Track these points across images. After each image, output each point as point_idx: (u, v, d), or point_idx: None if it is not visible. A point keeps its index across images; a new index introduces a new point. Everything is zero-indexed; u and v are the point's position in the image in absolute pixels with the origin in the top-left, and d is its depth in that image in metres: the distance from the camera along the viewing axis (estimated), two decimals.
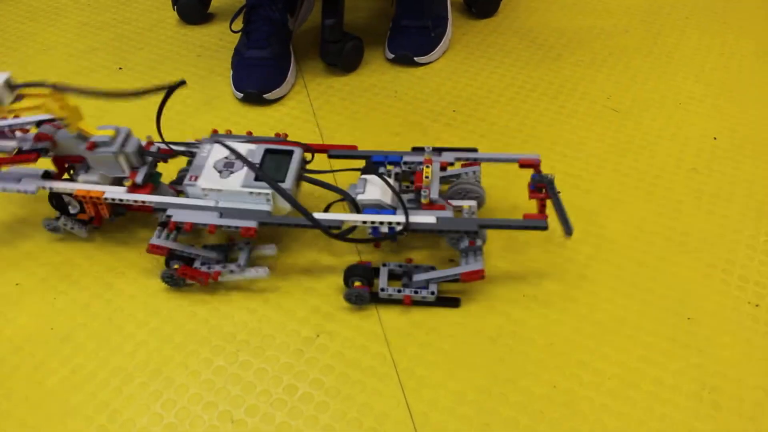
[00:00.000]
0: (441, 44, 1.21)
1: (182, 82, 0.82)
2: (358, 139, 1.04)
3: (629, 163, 1.00)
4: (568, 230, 0.84)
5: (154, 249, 0.82)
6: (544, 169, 0.98)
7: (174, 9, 1.35)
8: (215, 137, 0.89)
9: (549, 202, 0.83)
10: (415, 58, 1.19)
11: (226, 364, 0.77)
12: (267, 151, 0.84)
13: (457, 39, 1.27)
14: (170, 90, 0.81)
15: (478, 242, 0.80)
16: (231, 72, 1.17)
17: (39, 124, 0.89)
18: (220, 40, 1.30)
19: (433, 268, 0.83)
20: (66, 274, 0.88)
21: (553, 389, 0.74)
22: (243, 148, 0.85)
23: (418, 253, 0.88)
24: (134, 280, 0.87)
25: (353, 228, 0.82)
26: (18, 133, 0.91)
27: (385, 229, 0.80)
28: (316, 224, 0.79)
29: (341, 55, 1.16)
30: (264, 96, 1.11)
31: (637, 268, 0.85)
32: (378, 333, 0.79)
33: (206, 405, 0.73)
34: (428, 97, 1.13)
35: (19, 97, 0.79)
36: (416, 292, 0.80)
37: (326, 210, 0.87)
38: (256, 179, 0.81)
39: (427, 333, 0.79)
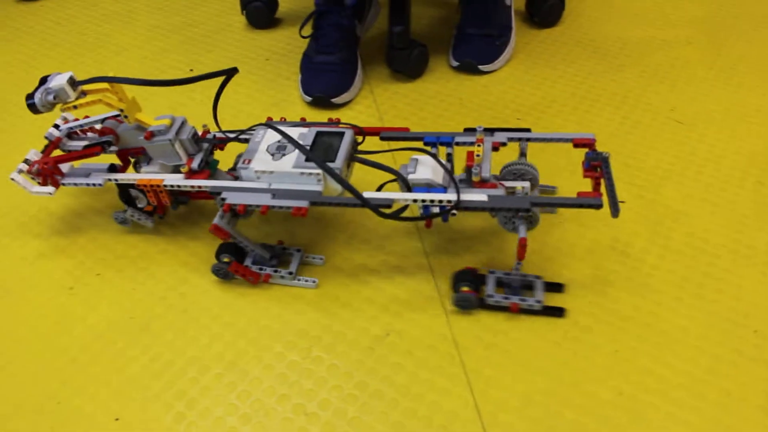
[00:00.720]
0: (505, 53, 1.23)
1: (234, 70, 0.84)
2: None
3: (693, 175, 1.01)
4: (615, 212, 0.81)
5: (216, 230, 0.83)
6: (617, 181, 0.99)
7: (242, 13, 1.39)
8: (268, 122, 0.92)
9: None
10: (480, 66, 1.21)
11: (299, 359, 0.80)
12: (318, 134, 0.86)
13: (520, 48, 1.28)
14: (226, 79, 0.83)
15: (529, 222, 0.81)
16: (299, 76, 1.20)
17: (104, 121, 0.93)
18: (287, 44, 1.34)
19: (538, 278, 0.84)
20: (143, 267, 0.92)
21: (618, 395, 0.75)
22: (295, 132, 0.87)
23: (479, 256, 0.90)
24: (207, 274, 0.90)
25: (405, 207, 0.83)
26: (89, 134, 0.96)
27: (436, 209, 0.82)
28: (365, 203, 0.80)
29: (408, 61, 1.19)
30: (332, 100, 1.14)
31: (703, 279, 0.86)
32: (446, 334, 0.81)
33: (280, 398, 0.76)
34: (493, 105, 1.15)
35: (82, 94, 0.84)
36: (523, 300, 0.81)
37: (378, 190, 0.87)
38: (307, 160, 0.83)
39: (494, 335, 0.81)
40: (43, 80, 0.84)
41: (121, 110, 0.85)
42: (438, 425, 0.73)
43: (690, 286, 0.86)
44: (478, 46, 1.21)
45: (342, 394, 0.76)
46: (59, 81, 0.82)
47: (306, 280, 0.88)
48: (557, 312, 0.83)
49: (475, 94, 1.18)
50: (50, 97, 0.82)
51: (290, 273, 0.87)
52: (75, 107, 0.84)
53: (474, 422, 0.73)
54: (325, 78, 1.16)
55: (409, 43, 1.18)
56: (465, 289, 0.82)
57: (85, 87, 0.83)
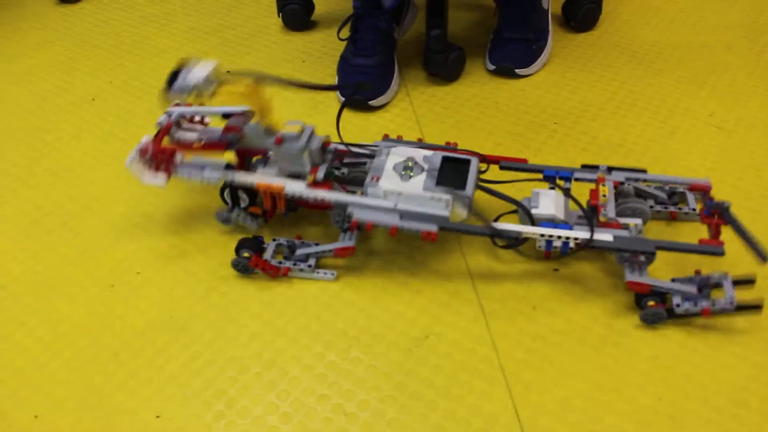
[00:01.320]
0: (542, 57, 1.22)
1: (363, 85, 0.84)
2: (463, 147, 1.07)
3: (733, 181, 1.00)
4: (762, 257, 0.79)
5: (345, 251, 0.87)
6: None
7: (278, 16, 1.40)
8: (389, 141, 0.92)
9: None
10: (516, 70, 1.21)
11: (338, 359, 0.80)
12: (445, 159, 0.87)
13: (557, 52, 1.28)
14: (354, 92, 0.83)
15: (642, 258, 0.81)
16: (336, 78, 1.21)
17: (226, 116, 0.91)
18: (323, 47, 1.35)
19: (726, 277, 0.81)
20: (182, 266, 0.93)
21: (658, 401, 0.74)
22: (419, 153, 0.87)
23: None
24: (246, 275, 0.91)
25: (525, 240, 0.83)
26: (198, 126, 0.95)
27: (558, 244, 0.82)
28: (498, 234, 0.81)
29: (445, 65, 1.19)
30: (369, 103, 1.15)
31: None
32: (485, 337, 0.81)
33: (319, 397, 0.77)
34: (529, 109, 1.15)
35: (219, 86, 0.82)
36: (714, 304, 0.78)
37: (495, 221, 0.88)
38: (438, 184, 0.83)
39: (532, 339, 0.81)
40: (176, 73, 0.82)
41: (253, 109, 0.85)
42: (477, 428, 0.73)
43: None
44: (515, 50, 1.22)
45: (381, 395, 0.76)
46: (199, 74, 0.81)
47: (325, 273, 0.89)
48: (754, 309, 0.78)
49: (511, 98, 1.18)
50: (188, 90, 0.81)
51: (309, 266, 0.88)
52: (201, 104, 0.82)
53: (513, 426, 0.73)
54: (362, 80, 1.17)
55: (446, 47, 1.18)
56: (651, 303, 0.81)
57: (227, 83, 0.82)
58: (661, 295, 0.81)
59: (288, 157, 0.87)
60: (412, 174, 0.85)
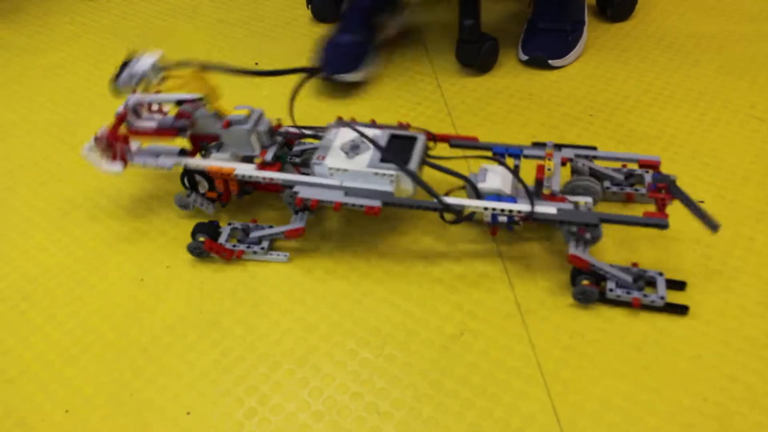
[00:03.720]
0: (577, 48, 1.20)
1: (318, 69, 0.85)
2: (497, 141, 1.05)
3: None
4: (713, 226, 0.79)
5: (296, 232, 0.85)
6: (687, 180, 0.96)
7: (308, 7, 1.39)
8: (341, 122, 0.92)
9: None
10: (550, 62, 1.18)
11: (371, 357, 0.79)
12: (392, 137, 0.87)
13: (591, 43, 1.25)
14: (308, 76, 0.84)
15: (587, 236, 0.81)
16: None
17: (179, 103, 0.93)
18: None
19: (661, 275, 0.82)
20: (211, 261, 0.92)
21: (703, 402, 0.72)
22: (368, 132, 0.88)
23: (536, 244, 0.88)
24: (277, 269, 0.90)
25: (472, 215, 0.83)
26: (156, 115, 0.95)
27: (504, 218, 0.82)
28: (446, 207, 0.81)
29: (477, 55, 1.17)
30: (334, 77, 1.15)
31: None
32: (522, 335, 0.79)
33: (353, 395, 0.75)
34: (564, 101, 1.12)
35: (164, 78, 0.86)
36: (645, 296, 0.80)
37: (446, 195, 0.86)
38: (382, 161, 0.84)
39: (570, 337, 0.79)
40: (125, 64, 0.84)
41: (204, 97, 0.86)
42: (515, 428, 0.71)
43: None
44: (549, 40, 1.19)
45: (416, 393, 0.75)
46: (144, 65, 0.83)
47: (278, 254, 0.90)
48: (680, 309, 0.80)
49: (544, 90, 1.15)
50: (135, 80, 0.84)
51: (262, 248, 0.90)
52: (158, 92, 0.84)
53: (552, 426, 0.71)
54: (327, 54, 1.17)
55: (479, 37, 1.16)
56: (585, 282, 0.81)
57: (172, 72, 0.85)
58: (596, 278, 0.81)
59: (237, 141, 0.89)
60: (359, 152, 0.85)
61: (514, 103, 1.13)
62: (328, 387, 0.76)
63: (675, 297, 0.82)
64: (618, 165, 0.94)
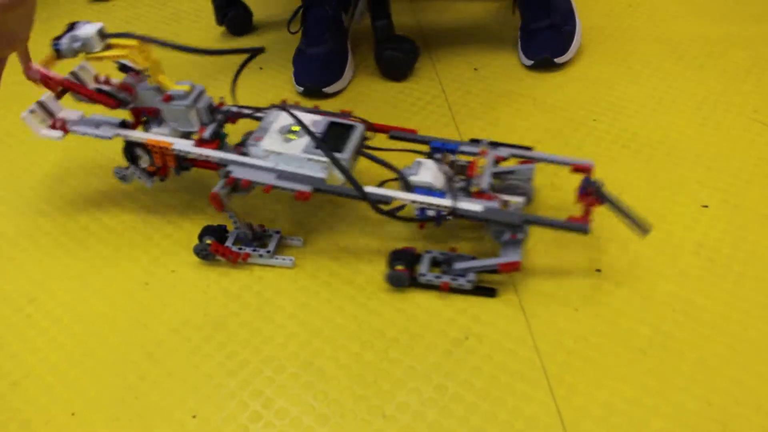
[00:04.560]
0: (575, 40, 1.20)
1: (261, 49, 0.85)
2: None
3: None
4: (643, 230, 0.81)
5: (214, 199, 0.85)
6: (691, 184, 0.96)
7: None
8: (284, 105, 0.93)
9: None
10: (555, 60, 1.18)
11: (376, 360, 0.79)
12: (331, 124, 0.88)
13: (594, 47, 1.26)
14: (250, 57, 0.85)
15: (519, 236, 0.81)
16: (292, 69, 1.24)
17: (122, 67, 0.93)
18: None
19: (474, 258, 0.85)
20: (216, 264, 0.92)
21: (707, 406, 0.72)
22: (309, 118, 0.89)
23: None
24: (281, 274, 0.90)
25: (401, 207, 0.85)
26: (105, 86, 0.94)
27: (432, 212, 0.83)
28: (364, 197, 0.82)
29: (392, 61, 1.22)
30: (323, 90, 1.18)
31: None
32: (526, 338, 0.79)
33: (357, 399, 0.75)
34: (567, 105, 1.13)
35: (108, 47, 0.86)
36: (454, 279, 0.83)
37: (379, 186, 0.88)
38: (316, 147, 0.84)
39: (575, 341, 0.79)
40: (71, 26, 0.85)
41: (145, 69, 0.87)
42: (519, 431, 0.71)
43: None
44: (547, 39, 1.19)
45: (421, 397, 0.75)
46: (89, 30, 0.84)
47: (284, 259, 0.90)
48: (488, 292, 0.84)
49: (548, 94, 1.15)
50: (77, 45, 0.84)
51: (268, 252, 0.90)
52: (100, 59, 0.85)
53: (557, 429, 0.71)
54: (314, 68, 1.19)
55: (396, 39, 1.20)
56: (399, 267, 0.83)
57: (114, 41, 0.86)
58: (410, 262, 0.84)
59: (176, 116, 0.90)
60: (296, 137, 0.86)
61: (517, 108, 1.13)
62: (333, 390, 0.76)
63: (642, 301, 0.82)
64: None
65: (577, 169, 0.88)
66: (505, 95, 1.16)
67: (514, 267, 0.81)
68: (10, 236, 0.99)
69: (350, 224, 0.96)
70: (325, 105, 1.18)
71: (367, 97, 1.19)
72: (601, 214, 0.88)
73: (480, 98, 1.16)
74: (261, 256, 0.90)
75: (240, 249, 0.91)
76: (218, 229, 0.92)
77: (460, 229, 0.92)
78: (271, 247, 0.91)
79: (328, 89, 1.19)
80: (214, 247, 0.89)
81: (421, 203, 0.82)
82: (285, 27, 1.29)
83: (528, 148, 0.90)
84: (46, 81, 0.89)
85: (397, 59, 1.21)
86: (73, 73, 0.94)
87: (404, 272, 0.83)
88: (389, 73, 1.23)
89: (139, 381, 0.79)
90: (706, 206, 0.93)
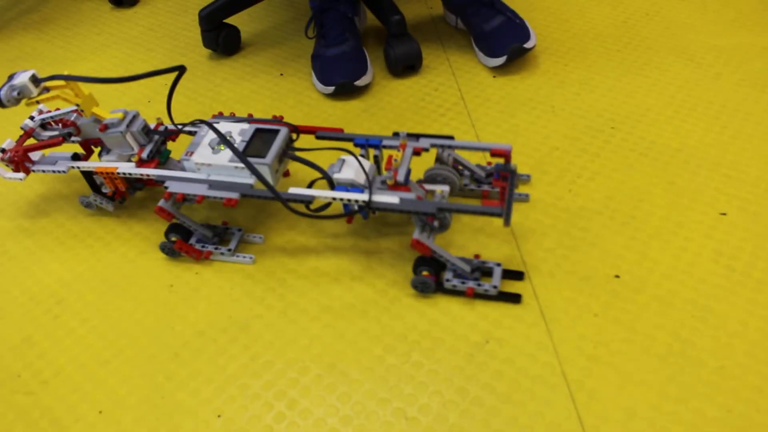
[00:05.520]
0: (531, 30, 1.23)
1: (182, 68, 0.88)
2: (519, 152, 1.06)
3: None
4: (506, 221, 0.82)
5: (160, 211, 0.90)
6: (710, 192, 0.97)
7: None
8: (206, 120, 0.97)
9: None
10: (524, 45, 1.20)
11: (398, 363, 0.80)
12: (257, 130, 0.91)
13: (612, 55, 1.26)
14: (177, 77, 0.87)
15: (435, 224, 0.85)
16: (313, 75, 1.26)
17: (67, 114, 1.00)
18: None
19: (499, 265, 0.87)
20: (240, 267, 0.93)
21: (728, 413, 0.73)
22: (236, 127, 0.92)
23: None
24: (306, 276, 0.91)
25: (327, 205, 0.89)
26: (61, 127, 1.00)
27: (355, 207, 0.86)
28: (278, 198, 0.86)
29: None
30: (355, 83, 1.21)
31: None
32: (546, 343, 0.80)
33: (380, 401, 0.77)
34: (585, 113, 1.14)
35: (45, 90, 0.91)
36: (479, 285, 0.85)
37: (309, 186, 0.91)
38: (244, 154, 0.88)
39: (595, 347, 0.80)
40: (10, 77, 0.91)
41: (77, 105, 0.91)
42: None
43: None
44: (507, 31, 1.22)
45: (442, 399, 0.76)
46: (22, 78, 0.89)
47: (243, 257, 0.94)
48: (514, 298, 0.85)
49: (566, 102, 1.16)
50: (15, 93, 0.89)
51: (229, 250, 0.95)
52: (38, 102, 0.90)
53: None
54: (341, 66, 1.22)
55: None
56: (425, 273, 0.85)
57: (47, 84, 0.90)
58: (436, 269, 0.85)
59: (115, 142, 0.94)
60: (224, 148, 0.89)
61: (536, 115, 1.14)
62: (356, 392, 0.78)
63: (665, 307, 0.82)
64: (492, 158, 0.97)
65: (495, 153, 0.88)
66: (525, 103, 1.17)
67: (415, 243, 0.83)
68: (37, 238, 1.01)
69: (374, 231, 0.97)
70: (354, 102, 1.21)
71: (391, 89, 1.21)
72: (620, 223, 0.89)
73: (500, 106, 1.17)
74: (222, 253, 0.95)
75: (203, 247, 0.95)
76: (183, 228, 0.95)
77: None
78: (232, 245, 0.95)
79: (359, 82, 1.21)
80: (179, 244, 0.93)
81: (340, 199, 0.85)
82: (285, 39, 1.33)
83: (449, 137, 0.92)
84: (16, 158, 0.99)
85: (414, 51, 1.24)
86: (33, 119, 1.02)
87: (430, 278, 0.85)
88: (404, 66, 1.26)
89: (165, 381, 0.81)
90: (724, 214, 0.93)
